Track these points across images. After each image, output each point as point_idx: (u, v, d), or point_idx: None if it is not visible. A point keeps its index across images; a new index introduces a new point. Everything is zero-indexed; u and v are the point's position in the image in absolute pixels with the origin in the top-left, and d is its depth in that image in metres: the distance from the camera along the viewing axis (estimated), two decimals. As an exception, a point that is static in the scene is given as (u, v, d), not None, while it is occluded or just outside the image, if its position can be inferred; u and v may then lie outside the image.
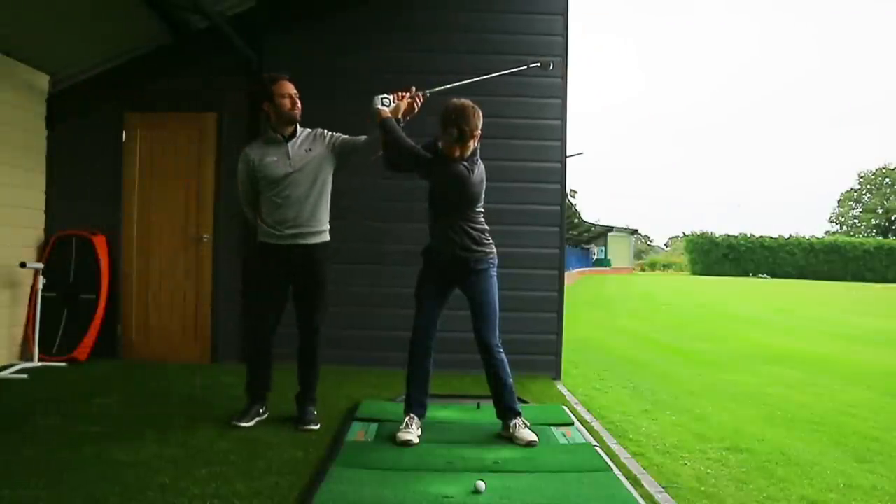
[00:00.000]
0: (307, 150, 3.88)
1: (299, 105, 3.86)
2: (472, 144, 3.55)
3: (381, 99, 3.70)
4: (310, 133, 3.95)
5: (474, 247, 3.66)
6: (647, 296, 22.00)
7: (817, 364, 7.90)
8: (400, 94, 3.74)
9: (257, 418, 3.97)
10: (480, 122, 3.51)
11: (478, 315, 3.68)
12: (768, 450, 4.04)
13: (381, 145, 3.73)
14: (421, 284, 3.79)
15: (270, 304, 4.01)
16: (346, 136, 3.98)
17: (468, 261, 3.67)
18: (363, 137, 3.95)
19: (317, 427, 3.89)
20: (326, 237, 4.01)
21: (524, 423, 3.67)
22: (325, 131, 3.99)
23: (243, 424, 3.85)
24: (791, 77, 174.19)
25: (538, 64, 4.29)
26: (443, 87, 3.85)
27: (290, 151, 3.85)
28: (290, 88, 3.86)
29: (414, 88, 3.79)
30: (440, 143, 3.63)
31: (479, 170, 3.62)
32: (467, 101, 3.53)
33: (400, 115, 3.70)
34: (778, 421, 4.90)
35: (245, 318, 4.03)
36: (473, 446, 3.52)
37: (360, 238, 5.91)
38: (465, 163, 3.55)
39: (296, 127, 3.90)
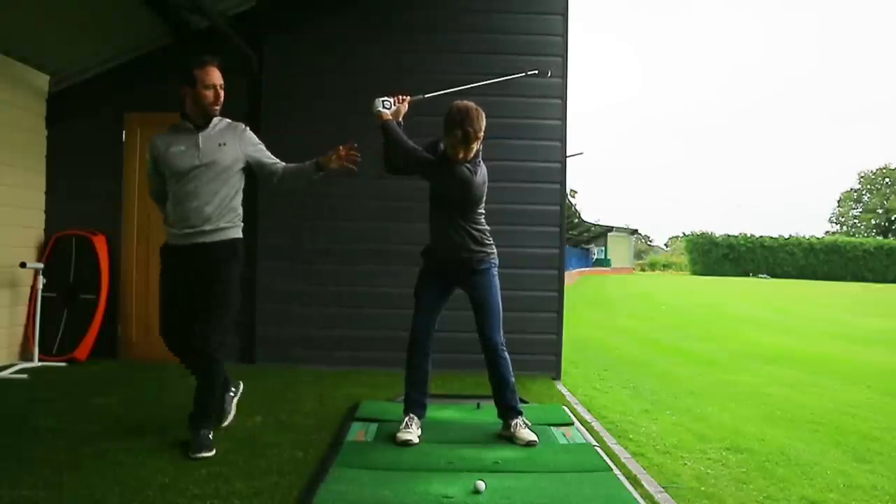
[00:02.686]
0: (220, 143, 3.49)
1: (222, 98, 3.47)
2: (476, 146, 3.55)
3: (382, 101, 3.67)
4: (228, 125, 3.56)
5: (476, 247, 3.67)
6: (646, 296, 22.00)
7: (817, 364, 7.89)
8: (400, 97, 3.73)
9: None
10: (484, 124, 3.51)
11: (482, 314, 3.69)
12: (768, 450, 4.04)
13: (384, 151, 3.69)
14: (421, 284, 3.79)
15: (179, 311, 3.57)
16: (266, 156, 3.64)
17: (470, 261, 3.68)
18: (282, 165, 3.65)
19: (211, 454, 3.31)
20: (234, 234, 3.61)
21: (525, 422, 3.68)
22: (247, 130, 3.61)
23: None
24: (791, 77, 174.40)
25: (536, 71, 4.26)
26: (441, 92, 3.84)
27: (200, 142, 3.46)
28: (217, 78, 3.45)
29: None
30: (442, 145, 3.63)
31: (482, 171, 3.63)
32: (471, 103, 3.53)
33: (401, 118, 3.70)
34: (778, 421, 4.90)
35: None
36: (473, 446, 3.52)
37: (359, 238, 5.92)
38: (468, 165, 3.55)
39: (210, 117, 3.51)
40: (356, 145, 3.56)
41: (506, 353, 3.71)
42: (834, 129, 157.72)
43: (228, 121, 3.59)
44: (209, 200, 3.47)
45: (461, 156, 3.52)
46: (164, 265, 3.62)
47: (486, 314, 3.68)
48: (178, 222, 3.50)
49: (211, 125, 3.51)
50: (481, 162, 3.65)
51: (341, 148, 3.56)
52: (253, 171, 3.65)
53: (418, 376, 3.71)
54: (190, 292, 3.54)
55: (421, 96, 3.81)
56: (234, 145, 3.53)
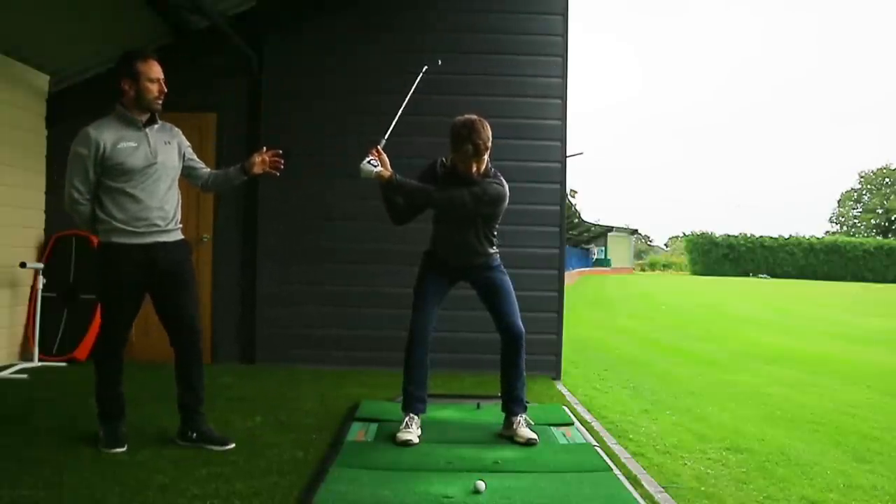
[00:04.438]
0: (166, 142, 3.43)
1: (165, 92, 3.37)
2: (486, 156, 3.55)
3: (369, 161, 3.55)
4: (164, 124, 3.48)
5: (491, 250, 3.77)
6: (646, 296, 22.00)
7: (817, 364, 7.89)
8: (374, 150, 3.60)
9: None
10: (490, 133, 3.51)
11: (504, 302, 3.72)
12: (768, 450, 4.04)
13: (388, 208, 3.70)
14: (421, 282, 3.78)
15: (130, 314, 3.46)
16: (194, 158, 3.61)
17: (485, 262, 3.75)
18: (208, 170, 3.64)
19: (234, 444, 3.47)
20: (182, 234, 3.54)
21: (528, 420, 3.70)
22: (180, 133, 3.54)
23: (119, 450, 3.33)
24: (791, 76, 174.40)
25: (426, 68, 4.16)
26: (393, 123, 3.69)
27: (150, 140, 3.36)
28: (160, 72, 3.35)
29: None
30: (440, 167, 3.64)
31: (503, 182, 3.68)
32: (473, 116, 3.53)
33: (388, 167, 3.59)
34: (778, 421, 4.90)
35: (103, 331, 3.54)
36: (473, 446, 3.52)
37: (359, 238, 5.92)
38: (496, 181, 3.60)
39: (154, 113, 3.40)
40: (281, 152, 3.57)
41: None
42: (834, 129, 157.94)
43: (162, 120, 3.48)
44: (167, 199, 3.40)
45: (473, 169, 3.53)
46: (114, 264, 3.35)
47: (510, 304, 3.72)
48: (134, 221, 3.31)
49: (155, 123, 3.41)
50: (498, 172, 3.67)
51: (266, 151, 3.55)
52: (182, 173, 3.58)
53: (419, 373, 3.71)
54: (140, 291, 3.43)
55: (382, 140, 3.66)
56: (175, 144, 3.49)
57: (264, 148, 3.60)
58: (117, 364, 3.50)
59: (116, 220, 3.31)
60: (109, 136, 3.29)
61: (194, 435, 3.46)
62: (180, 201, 3.53)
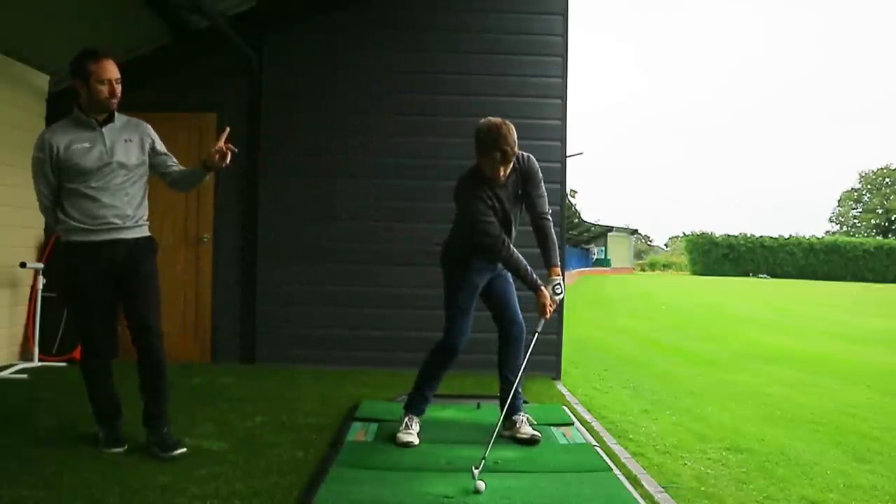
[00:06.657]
0: (127, 139, 3.35)
1: (118, 93, 3.29)
2: (513, 160, 3.49)
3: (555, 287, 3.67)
4: (129, 121, 3.43)
5: None
6: (646, 296, 22.00)
7: (817, 364, 7.89)
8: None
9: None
10: (516, 136, 3.40)
11: (514, 297, 3.77)
12: (768, 450, 4.04)
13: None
14: (463, 286, 3.66)
15: (98, 312, 3.38)
16: (166, 156, 3.50)
17: None
18: (176, 169, 3.51)
19: (184, 450, 3.30)
20: (148, 231, 3.49)
21: (530, 419, 3.72)
22: (149, 130, 3.47)
23: (118, 450, 3.35)
24: (791, 76, 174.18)
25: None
26: None
27: (105, 139, 3.30)
28: (113, 72, 3.27)
29: None
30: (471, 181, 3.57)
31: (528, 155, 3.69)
32: (497, 120, 3.40)
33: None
34: (778, 421, 4.90)
35: (78, 334, 3.52)
36: (473, 446, 3.50)
37: (359, 238, 5.92)
38: (526, 159, 3.59)
39: (112, 112, 3.35)
40: (228, 129, 3.43)
41: None
42: (834, 129, 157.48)
43: (127, 117, 3.45)
44: (123, 199, 3.34)
45: (501, 174, 3.46)
46: (76, 265, 3.33)
47: (515, 294, 3.76)
48: (90, 220, 3.29)
49: (113, 121, 3.35)
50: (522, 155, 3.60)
51: (221, 140, 3.37)
52: (156, 175, 3.52)
53: (440, 378, 3.73)
54: (108, 289, 3.37)
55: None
56: (139, 142, 3.42)
57: (223, 137, 3.41)
58: (101, 364, 3.44)
59: (73, 219, 3.30)
60: (62, 139, 3.28)
61: (153, 439, 3.33)
62: (144, 200, 3.47)
